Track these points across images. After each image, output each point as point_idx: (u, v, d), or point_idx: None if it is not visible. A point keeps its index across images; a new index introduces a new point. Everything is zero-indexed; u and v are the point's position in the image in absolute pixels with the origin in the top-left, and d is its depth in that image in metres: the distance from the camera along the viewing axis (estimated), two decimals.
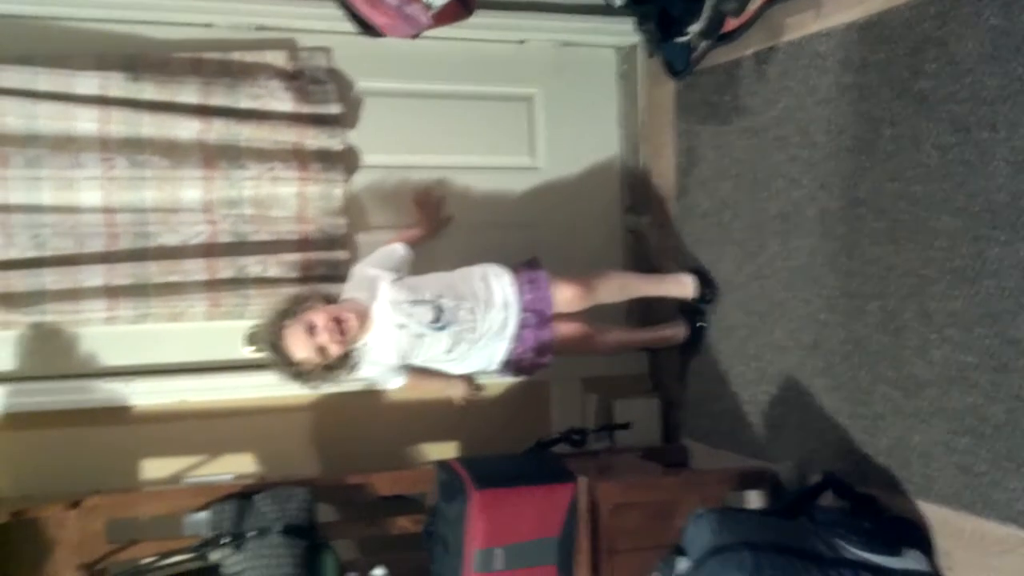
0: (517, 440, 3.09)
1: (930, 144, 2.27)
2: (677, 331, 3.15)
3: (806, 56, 2.67)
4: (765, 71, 2.85)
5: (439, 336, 2.74)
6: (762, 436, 2.92)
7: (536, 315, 2.87)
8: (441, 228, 3.17)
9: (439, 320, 2.73)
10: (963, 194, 2.19)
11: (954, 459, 2.24)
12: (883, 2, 2.41)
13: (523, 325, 2.85)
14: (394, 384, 2.85)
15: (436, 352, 2.78)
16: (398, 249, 2.92)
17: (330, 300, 2.75)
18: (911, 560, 2.27)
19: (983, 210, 2.14)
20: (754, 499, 2.89)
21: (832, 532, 2.31)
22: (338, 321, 2.60)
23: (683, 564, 2.31)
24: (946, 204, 2.23)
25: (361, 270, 2.85)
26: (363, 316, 2.69)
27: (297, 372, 2.63)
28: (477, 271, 2.90)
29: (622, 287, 3.09)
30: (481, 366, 2.91)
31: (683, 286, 3.10)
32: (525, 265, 2.95)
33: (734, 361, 3.03)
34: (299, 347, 2.59)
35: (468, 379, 2.97)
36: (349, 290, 2.81)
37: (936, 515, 2.31)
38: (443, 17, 2.62)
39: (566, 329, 2.92)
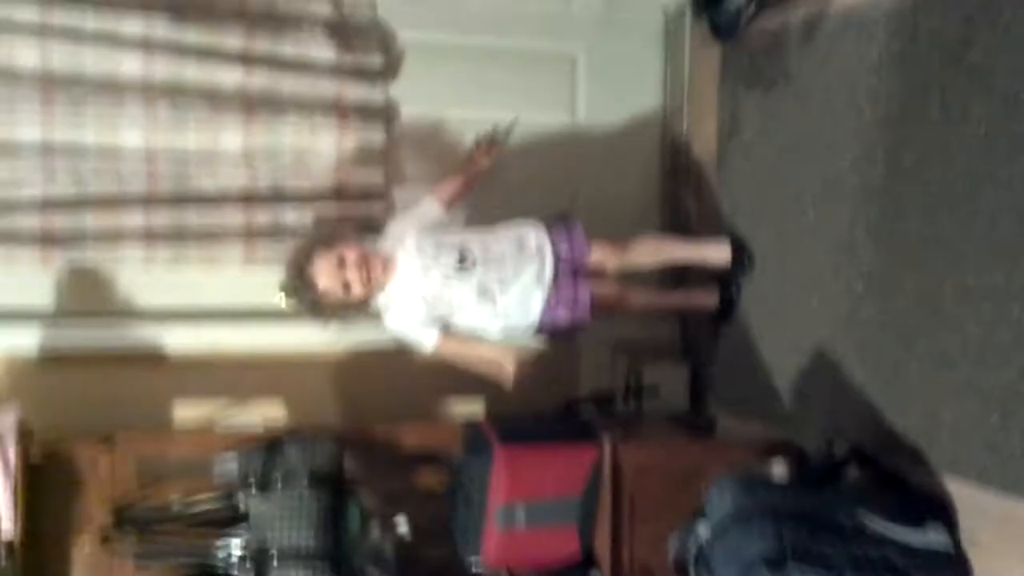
0: (546, 401, 3.10)
1: (978, 117, 2.23)
2: (709, 298, 3.13)
3: (856, 23, 2.62)
4: (814, 37, 2.80)
5: (465, 280, 2.70)
6: (791, 407, 2.90)
7: (571, 266, 2.82)
8: (483, 177, 2.98)
9: (464, 262, 2.70)
10: (1008, 169, 2.14)
11: (984, 436, 2.22)
12: None
13: (558, 277, 2.79)
14: (426, 342, 2.76)
15: (465, 300, 2.72)
16: (433, 209, 2.85)
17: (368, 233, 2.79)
18: (934, 534, 2.26)
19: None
20: (780, 469, 2.89)
21: (856, 504, 2.30)
22: (368, 261, 2.62)
23: (704, 529, 2.32)
24: (990, 179, 2.19)
25: (393, 226, 2.85)
26: (388, 263, 2.69)
27: (314, 301, 2.64)
28: (510, 225, 2.87)
29: (657, 249, 3.07)
30: (517, 321, 2.80)
31: (719, 252, 3.07)
32: (557, 218, 2.90)
33: (766, 330, 3.01)
34: (325, 276, 2.60)
35: (508, 354, 2.79)
36: (384, 236, 2.82)
37: (962, 492, 2.29)
38: None
39: (597, 288, 2.88)
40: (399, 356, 3.10)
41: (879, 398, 2.54)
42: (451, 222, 2.91)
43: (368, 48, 3.05)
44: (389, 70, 3.12)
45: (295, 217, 2.95)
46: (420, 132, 3.19)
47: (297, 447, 2.67)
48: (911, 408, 2.43)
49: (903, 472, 2.45)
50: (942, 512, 2.32)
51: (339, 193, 3.02)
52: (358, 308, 2.69)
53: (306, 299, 2.64)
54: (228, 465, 2.69)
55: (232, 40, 2.88)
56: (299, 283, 2.63)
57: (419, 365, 3.15)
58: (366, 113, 3.04)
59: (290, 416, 3.06)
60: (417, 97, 3.19)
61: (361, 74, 3.04)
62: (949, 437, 2.32)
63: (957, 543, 2.28)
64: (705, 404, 3.35)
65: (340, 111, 2.99)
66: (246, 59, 2.90)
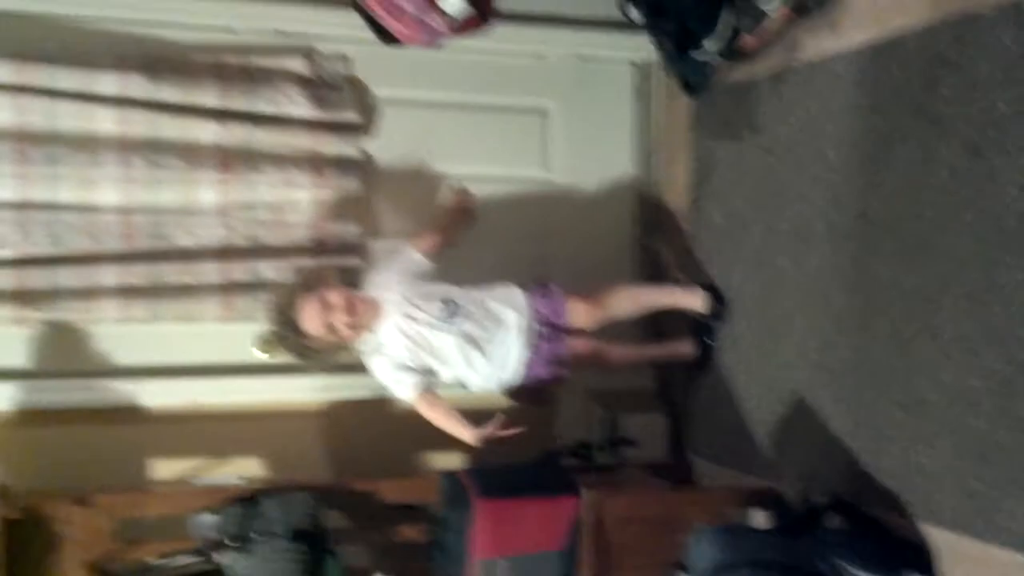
0: (522, 450, 3.09)
1: (942, 165, 2.28)
2: (687, 347, 3.16)
3: (821, 76, 2.68)
4: (781, 90, 2.86)
5: (449, 330, 2.73)
6: (768, 453, 2.92)
7: (550, 327, 2.87)
8: (462, 235, 3.01)
9: (447, 311, 2.74)
10: (973, 216, 2.19)
11: (958, 482, 2.24)
12: (900, 24, 2.42)
13: (537, 338, 2.84)
14: (404, 391, 2.75)
15: (448, 349, 2.74)
16: (414, 256, 2.87)
17: (348, 285, 2.79)
18: None
19: (993, 233, 2.14)
20: (759, 517, 2.89)
21: (835, 553, 2.31)
22: (352, 303, 2.65)
23: None
24: (956, 226, 2.23)
25: (375, 275, 2.86)
26: (373, 307, 2.72)
27: (301, 346, 2.66)
28: (493, 285, 2.91)
29: (634, 299, 3.10)
30: (496, 376, 2.83)
31: (694, 299, 3.11)
32: (536, 282, 2.96)
33: (741, 376, 3.04)
34: (310, 320, 2.62)
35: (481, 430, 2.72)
36: (369, 283, 2.85)
37: (940, 538, 2.30)
38: (461, 28, 2.65)
39: (577, 345, 2.93)
40: (376, 408, 3.12)
41: (855, 443, 2.56)
42: (434, 274, 2.91)
43: (343, 103, 3.08)
44: (364, 125, 3.15)
45: (272, 272, 2.96)
46: (396, 186, 3.21)
47: (274, 503, 2.67)
48: (886, 453, 2.45)
49: (881, 518, 2.47)
50: (920, 557, 2.33)
51: (316, 247, 3.03)
52: (344, 350, 2.72)
53: (293, 345, 2.66)
54: (205, 522, 2.68)
55: (207, 97, 2.90)
56: (285, 329, 2.65)
57: (396, 417, 3.16)
58: (342, 167, 3.06)
59: (268, 470, 3.05)
60: (392, 152, 3.22)
61: (336, 129, 3.06)
62: (925, 483, 2.34)
63: None
64: (683, 451, 3.36)
65: (316, 166, 3.02)
66: (221, 115, 2.92)
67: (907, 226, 2.38)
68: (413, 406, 2.77)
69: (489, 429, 2.66)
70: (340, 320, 2.62)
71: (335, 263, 3.03)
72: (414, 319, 2.72)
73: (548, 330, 2.87)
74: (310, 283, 2.70)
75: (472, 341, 2.76)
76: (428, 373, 2.77)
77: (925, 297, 2.32)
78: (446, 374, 2.80)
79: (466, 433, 2.70)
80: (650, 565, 2.63)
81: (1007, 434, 2.11)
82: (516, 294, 2.88)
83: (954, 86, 2.25)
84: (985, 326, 2.16)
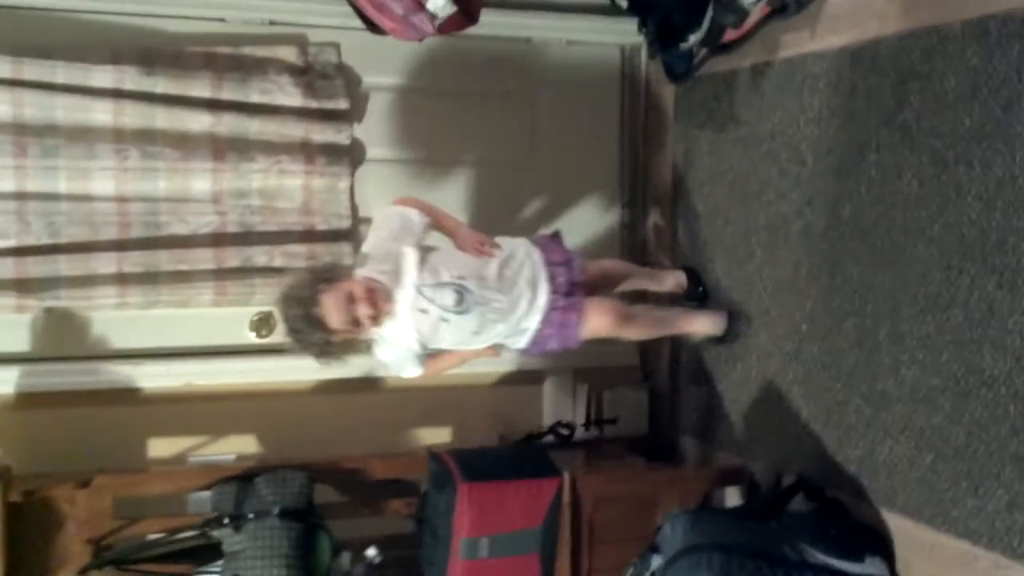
0: (510, 427, 3.22)
1: (910, 174, 2.36)
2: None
3: (799, 75, 2.75)
4: (761, 84, 2.93)
5: (465, 319, 2.63)
6: (743, 435, 3.04)
7: (566, 286, 2.74)
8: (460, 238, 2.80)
9: (462, 303, 2.62)
10: (938, 225, 2.28)
11: (917, 474, 2.36)
12: (875, 30, 2.48)
13: (553, 306, 2.70)
14: (410, 373, 2.76)
15: (463, 334, 2.67)
16: (414, 218, 2.71)
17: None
18: (871, 567, 2.40)
19: (956, 242, 2.23)
20: (733, 496, 3.03)
21: (799, 536, 2.43)
22: (373, 295, 2.51)
23: (657, 561, 2.45)
24: (922, 233, 2.33)
25: (380, 244, 2.69)
26: (390, 296, 2.58)
27: (324, 341, 2.51)
28: (506, 246, 2.77)
29: (628, 275, 3.12)
30: (506, 338, 2.76)
31: (675, 280, 3.19)
32: (550, 238, 2.87)
33: (721, 361, 3.14)
34: (336, 314, 2.46)
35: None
36: (371, 266, 2.64)
37: (899, 526, 2.43)
38: (447, 26, 2.70)
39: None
40: (367, 387, 3.22)
41: (822, 433, 2.68)
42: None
43: (333, 92, 3.13)
44: (354, 113, 3.21)
45: (264, 258, 3.04)
46: (386, 172, 3.28)
47: (268, 481, 2.77)
48: (851, 443, 2.58)
49: (846, 503, 2.60)
50: (880, 543, 2.47)
51: (307, 234, 3.11)
52: (358, 343, 2.62)
53: (314, 341, 2.51)
54: (202, 500, 2.80)
55: (200, 88, 2.96)
56: (305, 326, 2.49)
57: (387, 396, 3.27)
58: (332, 155, 3.13)
59: (262, 446, 3.16)
60: (383, 139, 3.28)
61: (327, 117, 3.12)
62: (886, 473, 2.46)
63: (893, 573, 2.43)
64: (664, 428, 3.48)
65: (306, 153, 3.09)
66: (214, 105, 2.98)
67: (878, 231, 2.47)
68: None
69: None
70: (364, 313, 2.48)
71: (325, 251, 3.11)
72: (426, 311, 2.60)
73: (563, 293, 2.73)
74: (327, 277, 2.54)
75: (487, 319, 2.66)
76: (434, 350, 2.74)
77: (892, 299, 2.42)
78: (459, 346, 2.76)
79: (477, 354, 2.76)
80: (626, 539, 2.75)
81: (962, 432, 2.23)
82: (534, 259, 2.75)
83: (923, 98, 2.33)
84: (946, 330, 2.27)
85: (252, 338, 3.16)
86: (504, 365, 3.36)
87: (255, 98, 3.03)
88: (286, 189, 3.08)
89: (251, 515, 2.70)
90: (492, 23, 3.10)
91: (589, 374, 3.51)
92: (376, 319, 2.52)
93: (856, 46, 2.55)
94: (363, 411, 3.27)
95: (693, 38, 2.98)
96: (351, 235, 3.18)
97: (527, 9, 3.39)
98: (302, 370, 3.16)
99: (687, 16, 2.96)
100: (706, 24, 2.91)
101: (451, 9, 2.63)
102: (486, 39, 3.36)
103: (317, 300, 2.47)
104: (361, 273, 2.60)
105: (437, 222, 2.78)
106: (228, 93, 2.99)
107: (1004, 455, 2.13)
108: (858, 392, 2.55)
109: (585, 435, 3.35)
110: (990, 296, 2.15)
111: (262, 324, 3.16)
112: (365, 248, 2.72)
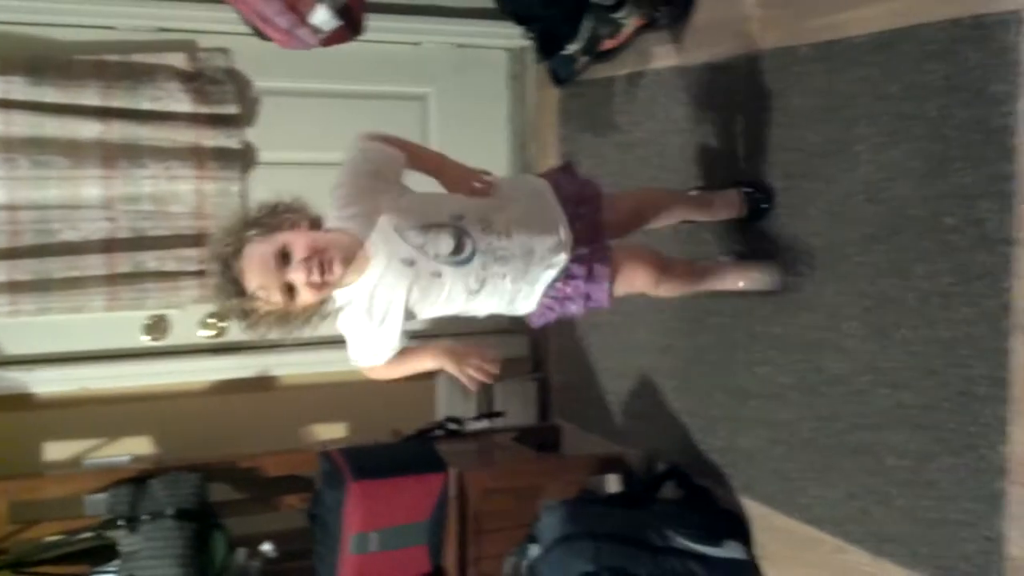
0: (403, 421, 3.33)
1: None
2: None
3: (667, 86, 2.90)
4: (635, 93, 3.07)
5: (463, 272, 1.97)
6: (621, 424, 3.21)
7: (589, 243, 2.14)
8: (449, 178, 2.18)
9: (462, 250, 1.97)
10: (788, 234, 2.46)
11: (771, 465, 2.55)
12: (733, 47, 2.63)
13: (574, 257, 2.10)
14: (376, 356, 2.04)
15: (456, 296, 2.00)
16: (391, 152, 2.11)
17: (316, 225, 1.93)
18: (731, 550, 2.60)
19: (803, 251, 2.41)
20: (612, 483, 3.19)
21: (666, 523, 2.62)
22: (321, 256, 1.83)
23: (535, 551, 2.61)
24: (774, 240, 2.50)
25: (354, 180, 2.01)
26: (352, 254, 1.90)
27: (242, 308, 1.86)
28: (508, 184, 2.22)
29: (668, 205, 2.52)
30: (511, 303, 2.10)
31: (730, 204, 2.61)
32: (562, 171, 2.32)
33: (602, 354, 3.31)
34: (258, 274, 1.82)
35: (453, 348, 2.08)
36: (333, 213, 1.97)
37: (756, 511, 2.63)
38: (332, 39, 2.78)
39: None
40: (263, 386, 3.30)
41: (691, 423, 2.86)
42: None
43: (223, 97, 3.18)
44: (245, 117, 3.27)
45: (156, 263, 3.10)
46: (279, 175, 3.34)
47: (162, 483, 2.83)
48: (715, 434, 2.76)
49: (711, 490, 2.78)
50: (740, 528, 2.66)
51: (199, 238, 3.17)
52: (307, 314, 1.91)
53: (233, 305, 1.86)
54: (98, 502, 2.87)
55: (89, 97, 2.99)
56: (223, 284, 1.84)
57: (284, 394, 3.36)
58: (223, 159, 3.19)
59: (157, 447, 3.23)
60: (274, 142, 3.35)
61: (217, 122, 3.18)
62: (745, 462, 2.65)
63: (752, 556, 2.63)
64: (550, 416, 3.64)
65: (197, 158, 3.15)
66: (104, 113, 3.01)
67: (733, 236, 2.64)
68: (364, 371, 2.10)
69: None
70: (302, 278, 1.82)
71: None
72: (414, 263, 1.93)
73: (585, 209, 2.17)
74: (263, 219, 1.88)
75: (492, 272, 2.01)
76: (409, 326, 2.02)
77: (746, 299, 2.59)
78: (445, 312, 2.07)
79: (441, 358, 2.07)
80: (512, 527, 2.88)
81: (808, 427, 2.42)
82: (532, 182, 2.25)
83: (775, 114, 2.49)
84: (794, 332, 2.45)
85: (146, 341, 3.22)
86: None
87: (145, 105, 3.07)
88: (178, 194, 3.13)
89: (146, 516, 2.77)
90: (381, 27, 3.16)
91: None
92: (320, 287, 1.85)
93: (717, 62, 2.70)
94: (259, 410, 3.36)
95: (572, 47, 3.12)
96: None
97: (415, 14, 3.48)
98: (197, 371, 3.26)
99: (566, 27, 3.09)
100: (584, 34, 3.06)
101: (335, 24, 2.71)
102: (375, 43, 3.44)
103: (240, 250, 1.83)
104: (327, 223, 1.96)
105: (415, 160, 2.16)
106: (118, 100, 3.03)
107: (844, 449, 2.32)
108: (720, 386, 2.73)
109: (476, 428, 3.48)
110: (830, 302, 2.34)
111: (154, 327, 3.22)
112: (337, 190, 2.02)
